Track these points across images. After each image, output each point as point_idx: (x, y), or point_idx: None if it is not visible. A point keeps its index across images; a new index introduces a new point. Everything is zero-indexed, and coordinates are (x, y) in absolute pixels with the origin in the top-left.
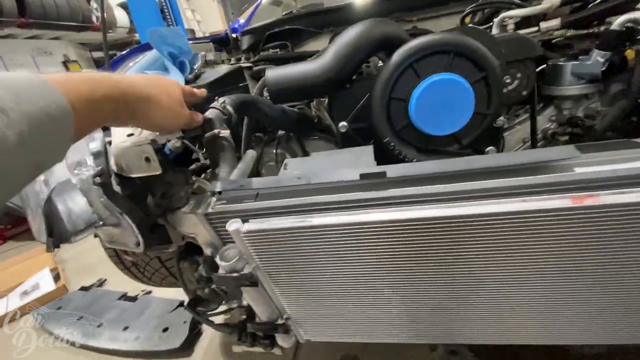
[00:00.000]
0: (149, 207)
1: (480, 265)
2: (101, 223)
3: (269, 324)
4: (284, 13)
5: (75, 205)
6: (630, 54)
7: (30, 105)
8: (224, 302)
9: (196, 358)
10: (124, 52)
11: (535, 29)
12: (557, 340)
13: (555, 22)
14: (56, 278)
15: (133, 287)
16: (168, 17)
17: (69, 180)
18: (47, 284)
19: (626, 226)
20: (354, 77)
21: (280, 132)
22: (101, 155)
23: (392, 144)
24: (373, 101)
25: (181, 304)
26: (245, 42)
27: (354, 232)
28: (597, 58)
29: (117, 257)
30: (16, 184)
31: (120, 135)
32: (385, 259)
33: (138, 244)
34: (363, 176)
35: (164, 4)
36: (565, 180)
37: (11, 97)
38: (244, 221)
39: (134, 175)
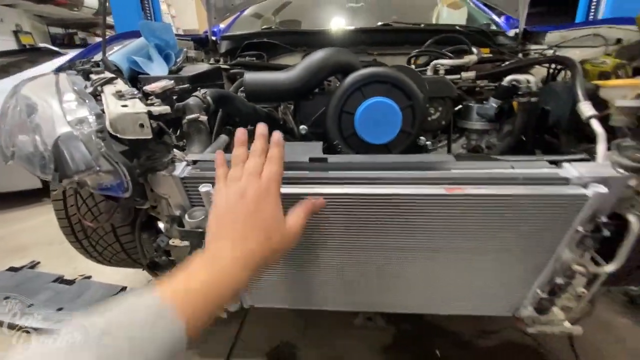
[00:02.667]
0: (135, 165)
1: (387, 236)
2: (98, 168)
3: None
4: (263, 27)
5: (77, 152)
6: (515, 104)
7: (160, 347)
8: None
9: None
10: (110, 36)
11: (458, 76)
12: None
13: (471, 74)
14: None
15: (70, 271)
16: (147, 7)
17: (71, 133)
18: None
19: (480, 209)
20: (317, 90)
21: (249, 128)
22: (101, 116)
23: (339, 146)
24: (329, 111)
25: (123, 289)
26: (224, 46)
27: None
28: (492, 104)
29: (71, 227)
30: None
31: (115, 105)
32: (322, 228)
33: (126, 190)
34: (311, 159)
35: None
36: (444, 177)
37: (140, 341)
38: (214, 185)
39: (126, 137)
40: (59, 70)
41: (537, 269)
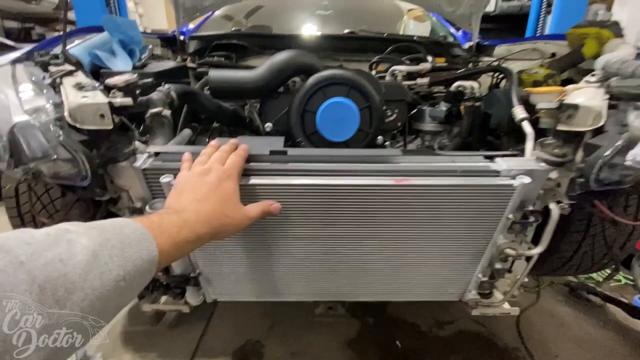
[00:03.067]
0: (94, 155)
1: (341, 225)
2: (55, 157)
3: (182, 277)
4: (233, 29)
5: (34, 140)
6: (462, 108)
7: (134, 256)
8: None
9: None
10: (71, 30)
11: (414, 82)
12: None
13: (425, 80)
14: None
15: None
16: (112, 3)
17: (27, 121)
18: None
19: (425, 198)
20: (281, 90)
21: (214, 125)
22: (60, 105)
23: (302, 143)
24: (292, 110)
25: None
26: (192, 46)
27: (261, 193)
28: (442, 107)
29: (23, 226)
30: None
31: (75, 95)
32: (281, 218)
33: (85, 178)
34: (272, 152)
35: None
36: (393, 169)
37: (121, 248)
38: (175, 177)
39: (85, 127)
40: (16, 61)
41: (477, 255)
